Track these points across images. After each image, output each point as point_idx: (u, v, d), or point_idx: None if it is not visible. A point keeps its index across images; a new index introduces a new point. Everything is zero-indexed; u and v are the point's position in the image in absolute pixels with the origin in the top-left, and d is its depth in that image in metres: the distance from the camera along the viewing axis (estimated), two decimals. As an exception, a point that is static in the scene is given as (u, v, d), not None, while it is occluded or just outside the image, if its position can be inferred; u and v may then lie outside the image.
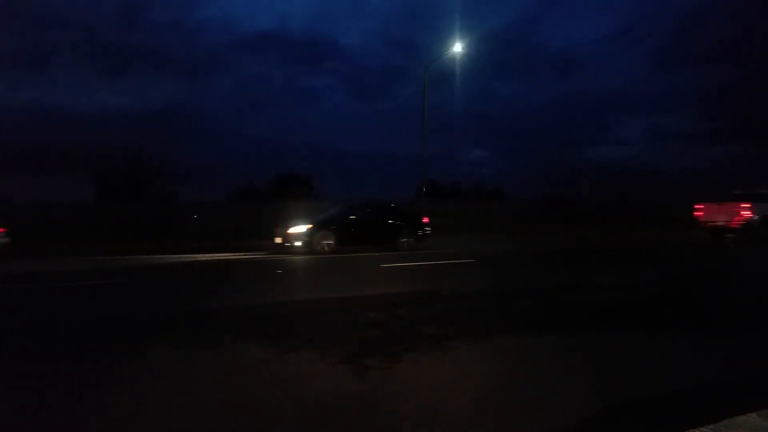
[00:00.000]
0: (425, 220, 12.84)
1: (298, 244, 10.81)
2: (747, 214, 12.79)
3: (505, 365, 3.09)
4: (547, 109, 77.92)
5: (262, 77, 78.92)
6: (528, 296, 5.67)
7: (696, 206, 14.29)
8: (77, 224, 17.43)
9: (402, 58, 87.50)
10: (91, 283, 6.81)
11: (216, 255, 10.89)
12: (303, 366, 3.01)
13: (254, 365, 3.01)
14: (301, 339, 3.63)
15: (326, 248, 10.92)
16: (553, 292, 5.94)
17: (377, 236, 11.85)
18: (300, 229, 10.99)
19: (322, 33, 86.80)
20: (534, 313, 4.71)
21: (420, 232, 12.46)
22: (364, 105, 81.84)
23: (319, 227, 11.16)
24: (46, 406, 2.44)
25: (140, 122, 49.60)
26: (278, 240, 11.32)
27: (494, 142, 74.22)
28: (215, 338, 3.66)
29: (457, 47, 19.27)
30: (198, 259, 10.29)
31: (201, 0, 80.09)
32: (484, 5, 76.94)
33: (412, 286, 6.40)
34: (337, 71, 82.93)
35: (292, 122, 73.09)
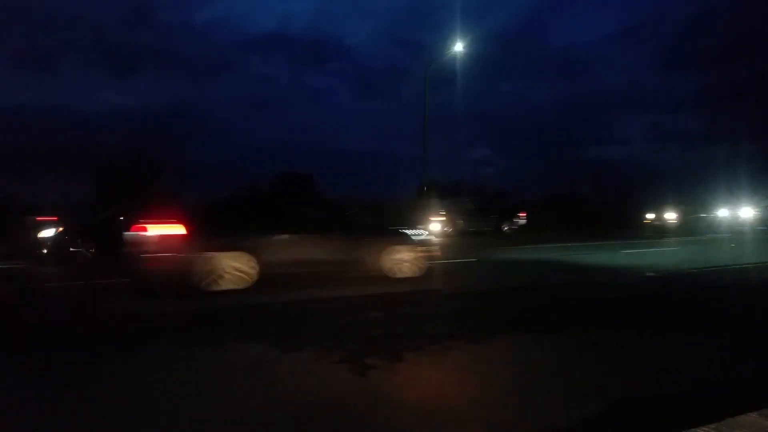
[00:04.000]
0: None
1: (44, 251, 8.88)
2: None
3: (505, 364, 3.10)
4: (551, 108, 77.66)
5: (264, 77, 78.86)
6: (528, 295, 5.68)
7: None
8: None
9: (406, 58, 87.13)
10: None
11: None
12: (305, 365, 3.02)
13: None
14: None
15: (78, 257, 8.66)
16: (554, 291, 5.95)
17: None
18: (48, 233, 8.97)
19: (326, 33, 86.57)
20: (534, 312, 4.71)
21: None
22: (368, 104, 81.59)
23: (72, 231, 9.05)
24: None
25: (142, 122, 49.56)
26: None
27: (497, 142, 73.81)
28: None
29: (459, 47, 19.29)
30: None
31: (205, 0, 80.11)
32: (488, 4, 76.73)
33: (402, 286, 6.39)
34: (341, 71, 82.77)
35: (295, 122, 73.05)
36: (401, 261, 6.36)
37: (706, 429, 2.01)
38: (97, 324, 4.27)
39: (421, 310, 4.78)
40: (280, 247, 5.83)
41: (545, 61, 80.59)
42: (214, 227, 5.67)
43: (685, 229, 20.56)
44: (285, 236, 5.91)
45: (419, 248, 6.54)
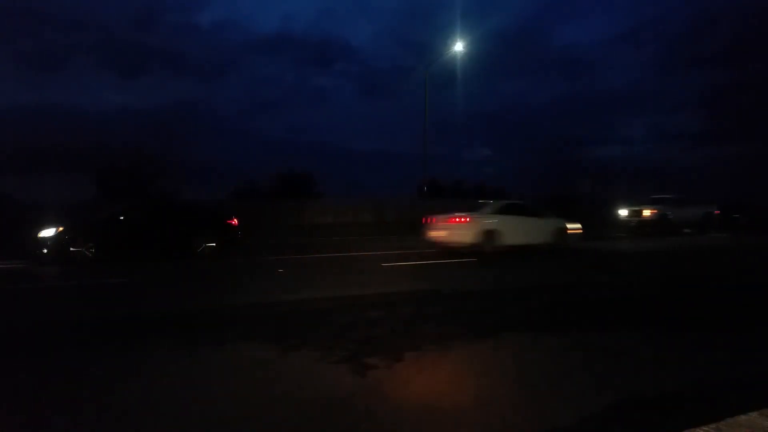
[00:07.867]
0: (233, 222, 10.82)
1: (44, 251, 9.03)
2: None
3: (506, 364, 3.10)
4: (552, 107, 77.44)
5: (268, 76, 78.84)
6: (528, 295, 5.67)
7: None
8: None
9: (410, 58, 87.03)
10: None
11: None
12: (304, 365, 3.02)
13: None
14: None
15: (78, 257, 9.02)
16: (553, 291, 5.94)
17: (161, 242, 9.91)
18: (48, 232, 9.14)
19: (330, 33, 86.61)
20: (534, 312, 4.71)
21: (225, 237, 10.56)
22: (370, 104, 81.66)
23: (72, 231, 9.27)
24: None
25: (146, 122, 49.66)
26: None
27: (498, 141, 73.75)
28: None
29: (459, 47, 19.28)
30: None
31: (207, 2, 79.99)
32: (491, 4, 76.50)
33: (413, 285, 6.39)
34: (344, 71, 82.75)
35: (297, 121, 73.15)
36: None
37: (706, 429, 2.01)
38: (97, 324, 4.27)
39: (420, 309, 4.78)
40: None
41: (548, 59, 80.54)
42: None
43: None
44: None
45: None
